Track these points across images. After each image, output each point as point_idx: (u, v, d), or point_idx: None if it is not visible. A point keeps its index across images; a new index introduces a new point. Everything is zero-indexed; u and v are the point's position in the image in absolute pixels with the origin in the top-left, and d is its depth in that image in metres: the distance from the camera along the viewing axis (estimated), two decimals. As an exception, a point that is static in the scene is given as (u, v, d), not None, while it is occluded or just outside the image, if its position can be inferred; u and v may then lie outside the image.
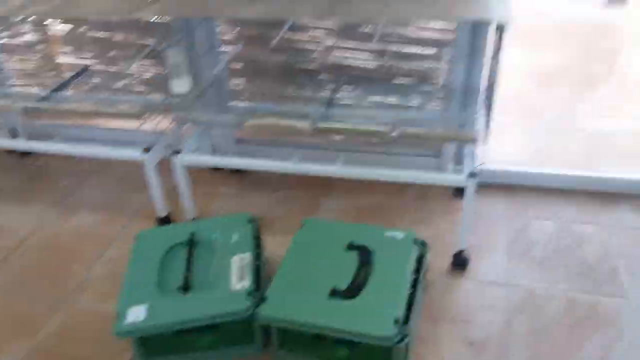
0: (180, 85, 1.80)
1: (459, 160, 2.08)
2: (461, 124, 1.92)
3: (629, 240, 1.93)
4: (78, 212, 2.28)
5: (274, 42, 1.67)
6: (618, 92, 3.17)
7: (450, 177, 1.77)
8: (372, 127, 1.66)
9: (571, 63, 3.50)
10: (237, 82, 2.28)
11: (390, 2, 1.60)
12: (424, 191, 2.22)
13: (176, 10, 1.70)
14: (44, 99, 2.18)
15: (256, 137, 2.32)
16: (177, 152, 1.98)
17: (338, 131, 1.74)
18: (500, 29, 1.46)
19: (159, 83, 2.33)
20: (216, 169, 2.44)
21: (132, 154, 1.99)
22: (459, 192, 2.07)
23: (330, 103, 2.00)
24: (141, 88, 2.35)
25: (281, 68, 2.16)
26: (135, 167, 2.05)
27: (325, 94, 2.14)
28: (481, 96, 1.94)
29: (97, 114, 2.00)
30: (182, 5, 1.72)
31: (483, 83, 1.95)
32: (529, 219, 2.06)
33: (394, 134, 1.65)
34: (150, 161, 1.99)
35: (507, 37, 1.47)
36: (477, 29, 1.83)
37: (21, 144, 2.34)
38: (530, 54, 3.63)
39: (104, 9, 1.80)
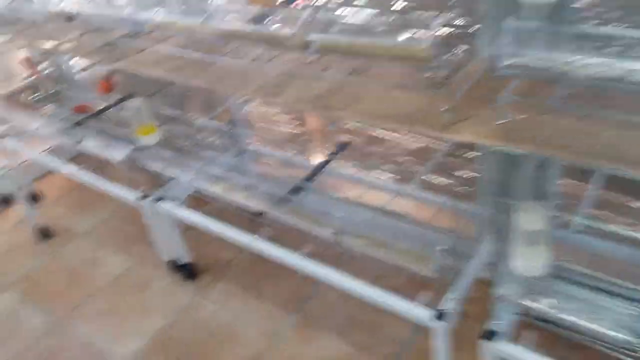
0: (531, 259, 1.01)
1: None
2: None
3: None
4: (319, 333, 1.71)
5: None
6: None
7: None
8: None
9: None
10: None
11: None
12: None
13: (514, 137, 0.92)
14: (307, 179, 1.61)
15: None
16: (489, 334, 1.22)
17: None
18: None
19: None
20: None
21: (419, 314, 1.29)
22: None
23: None
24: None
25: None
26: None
27: None
28: None
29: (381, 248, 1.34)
30: (520, 130, 0.93)
31: None
32: None
33: None
34: (442, 330, 1.28)
35: None
36: None
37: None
38: None
39: (397, 113, 1.09)
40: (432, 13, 1.30)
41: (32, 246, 2.29)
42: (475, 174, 1.56)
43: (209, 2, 1.38)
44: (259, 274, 1.96)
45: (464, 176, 1.67)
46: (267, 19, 1.14)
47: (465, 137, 0.96)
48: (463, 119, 0.99)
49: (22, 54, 2.31)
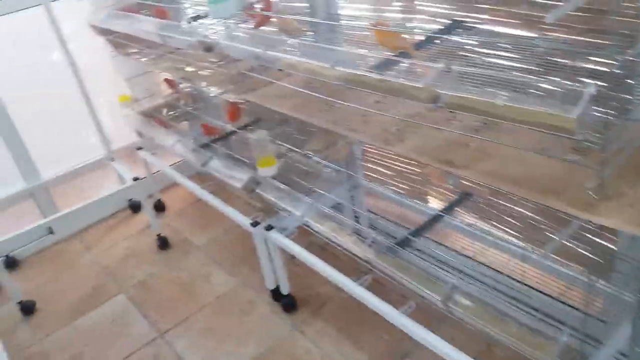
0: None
1: None
2: None
3: None
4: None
5: None
6: None
7: None
8: None
9: None
10: None
11: None
12: None
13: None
14: (419, 230, 1.52)
15: None
16: None
17: None
18: None
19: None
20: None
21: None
22: None
23: None
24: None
25: None
26: None
27: None
28: None
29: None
30: None
31: None
32: None
33: None
34: None
35: None
36: None
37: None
38: None
39: (528, 180, 0.97)
40: (580, 62, 1.17)
41: (151, 254, 2.42)
42: (616, 248, 1.36)
43: (337, 46, 1.37)
44: (357, 317, 1.88)
45: (602, 246, 1.47)
46: (395, 66, 1.09)
47: (611, 221, 0.82)
48: (610, 199, 0.85)
49: (165, 74, 2.48)
